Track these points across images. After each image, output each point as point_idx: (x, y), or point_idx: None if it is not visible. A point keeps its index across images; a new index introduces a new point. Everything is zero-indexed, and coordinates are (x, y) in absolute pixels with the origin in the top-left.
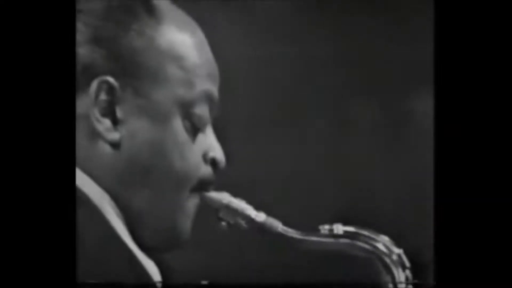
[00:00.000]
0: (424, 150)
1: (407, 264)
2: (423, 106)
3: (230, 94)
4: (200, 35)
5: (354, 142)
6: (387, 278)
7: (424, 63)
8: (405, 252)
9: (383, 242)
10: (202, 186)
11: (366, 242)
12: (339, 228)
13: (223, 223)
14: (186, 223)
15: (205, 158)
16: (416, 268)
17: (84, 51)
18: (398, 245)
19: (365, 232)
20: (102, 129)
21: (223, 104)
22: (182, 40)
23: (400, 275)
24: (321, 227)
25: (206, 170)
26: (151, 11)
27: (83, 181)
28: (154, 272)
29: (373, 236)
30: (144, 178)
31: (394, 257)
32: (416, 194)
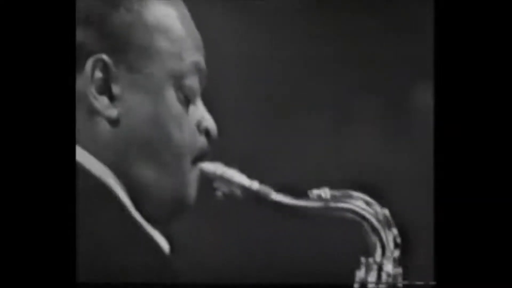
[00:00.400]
0: (424, 150)
1: (393, 223)
2: (425, 106)
3: (236, 88)
4: (183, 9)
5: (352, 136)
6: (374, 238)
7: (424, 59)
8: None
9: (368, 203)
10: (200, 156)
11: (353, 204)
12: (326, 192)
13: (219, 193)
14: (190, 193)
15: (199, 128)
16: (416, 268)
17: (76, 31)
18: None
19: (351, 194)
20: (100, 106)
21: (227, 95)
22: (167, 13)
23: (387, 235)
24: (309, 192)
25: (201, 140)
26: None
27: (86, 159)
28: (162, 242)
29: (359, 197)
30: (145, 152)
31: (380, 217)
32: (415, 193)
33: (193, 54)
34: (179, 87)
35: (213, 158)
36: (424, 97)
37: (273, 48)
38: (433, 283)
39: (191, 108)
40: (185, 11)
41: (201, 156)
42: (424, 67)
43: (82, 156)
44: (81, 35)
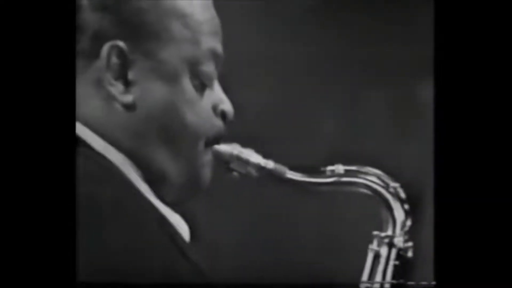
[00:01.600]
0: (424, 149)
1: (404, 196)
2: (425, 105)
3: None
4: None
5: (355, 132)
6: (387, 214)
7: (425, 58)
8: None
9: (380, 177)
10: (215, 139)
11: (365, 178)
12: (339, 168)
13: (235, 174)
14: (206, 175)
15: (215, 111)
16: (416, 268)
17: (93, 17)
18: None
19: (364, 169)
20: (116, 92)
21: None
22: None
23: (398, 209)
24: (323, 168)
25: (217, 123)
26: None
27: (104, 147)
28: (184, 229)
29: (371, 172)
30: (161, 137)
31: (391, 190)
32: (415, 193)
33: (210, 40)
34: (195, 73)
35: (229, 139)
36: (424, 96)
37: (288, 43)
38: (433, 283)
39: (207, 92)
40: None
41: (217, 138)
42: (425, 66)
43: (102, 145)
44: (98, 22)
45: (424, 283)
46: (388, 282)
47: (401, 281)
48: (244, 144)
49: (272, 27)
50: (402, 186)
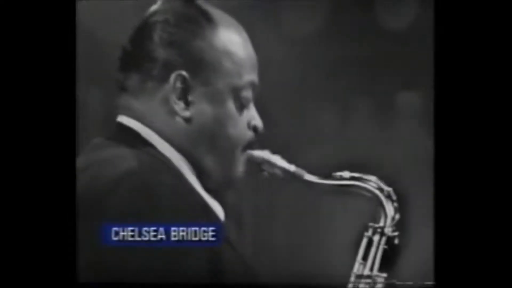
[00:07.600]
0: (424, 150)
1: (395, 197)
2: (426, 108)
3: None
4: (245, 35)
5: (357, 133)
6: (380, 210)
7: (425, 60)
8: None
9: (377, 182)
10: (248, 146)
11: (365, 183)
12: (346, 174)
13: (265, 173)
14: (239, 171)
15: (249, 125)
16: (416, 268)
17: (164, 51)
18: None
19: (365, 176)
20: (178, 109)
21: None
22: (232, 40)
23: (390, 207)
24: (333, 174)
25: (249, 134)
26: (209, 20)
27: (165, 147)
28: (219, 211)
29: (370, 178)
30: (208, 143)
31: (385, 192)
32: (415, 193)
33: (249, 73)
34: (237, 97)
35: (262, 147)
36: (424, 97)
37: (299, 62)
38: (433, 283)
39: (245, 111)
40: (246, 37)
41: (249, 146)
42: (425, 68)
43: (162, 144)
44: (168, 55)
45: (424, 283)
46: (388, 282)
47: (398, 241)
48: (274, 151)
49: (290, 52)
50: (398, 188)
